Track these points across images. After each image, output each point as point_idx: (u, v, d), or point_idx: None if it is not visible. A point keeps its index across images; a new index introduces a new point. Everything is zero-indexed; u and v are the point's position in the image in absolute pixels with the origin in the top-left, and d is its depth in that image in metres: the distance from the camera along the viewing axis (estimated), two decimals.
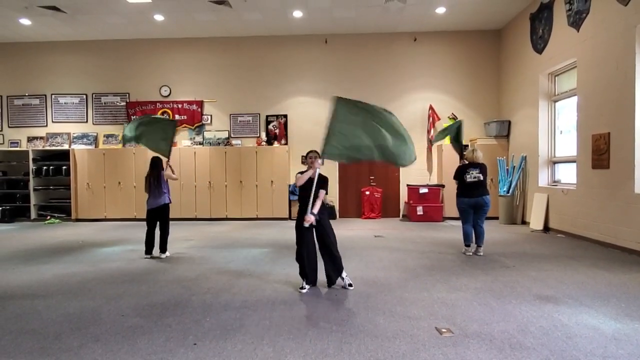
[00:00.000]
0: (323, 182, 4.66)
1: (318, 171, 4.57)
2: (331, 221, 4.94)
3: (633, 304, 4.03)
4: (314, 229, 4.63)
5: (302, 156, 4.50)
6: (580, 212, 7.50)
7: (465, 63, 11.02)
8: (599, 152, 6.94)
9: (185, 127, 11.33)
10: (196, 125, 11.31)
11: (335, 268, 4.66)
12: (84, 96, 11.52)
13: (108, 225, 10.06)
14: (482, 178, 6.28)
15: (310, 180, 4.52)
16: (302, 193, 4.62)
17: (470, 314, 3.81)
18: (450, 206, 10.28)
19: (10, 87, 11.56)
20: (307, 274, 4.61)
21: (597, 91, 7.05)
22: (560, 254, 6.31)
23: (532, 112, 9.27)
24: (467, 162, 6.45)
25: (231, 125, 11.35)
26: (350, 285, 4.64)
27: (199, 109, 11.33)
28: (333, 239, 4.69)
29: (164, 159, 6.56)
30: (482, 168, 6.34)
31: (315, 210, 4.51)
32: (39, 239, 8.27)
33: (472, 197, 6.23)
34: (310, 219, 4.45)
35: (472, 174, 6.28)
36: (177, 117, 11.31)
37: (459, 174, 6.40)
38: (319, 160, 4.57)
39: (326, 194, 4.74)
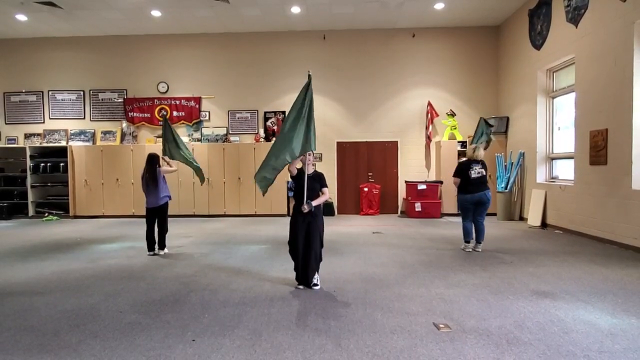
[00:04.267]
0: (320, 178, 4.65)
1: (313, 168, 4.59)
2: (330, 217, 4.91)
3: (629, 300, 4.06)
4: (306, 228, 4.55)
5: None
6: (578, 208, 7.52)
7: (464, 59, 11.01)
8: (597, 149, 6.95)
9: (183, 123, 11.31)
10: (194, 121, 11.28)
11: (312, 267, 4.53)
12: (81, 92, 11.48)
13: (106, 222, 10.05)
14: (484, 173, 6.29)
15: (304, 174, 4.52)
16: (298, 190, 4.61)
17: (468, 309, 3.82)
18: (449, 202, 10.32)
19: (7, 84, 11.51)
20: (301, 274, 4.55)
21: (595, 87, 7.06)
22: (558, 250, 6.34)
23: (531, 108, 9.27)
24: (466, 159, 6.45)
25: (229, 122, 11.33)
26: (315, 285, 4.53)
27: (197, 106, 11.30)
28: (321, 240, 4.59)
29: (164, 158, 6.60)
30: (483, 164, 6.34)
31: (315, 203, 4.51)
32: (37, 236, 8.26)
33: (475, 192, 6.21)
34: (305, 207, 4.44)
35: (475, 169, 6.26)
36: (174, 113, 11.29)
37: (462, 171, 6.35)
38: (310, 157, 4.58)
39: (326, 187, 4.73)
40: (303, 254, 4.52)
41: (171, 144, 6.62)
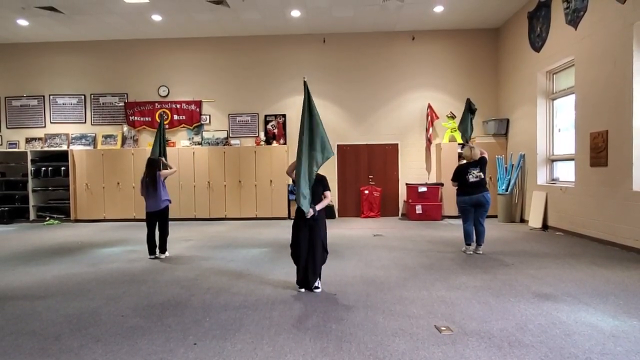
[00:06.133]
0: (321, 181, 4.62)
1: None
2: (331, 220, 4.90)
3: (631, 301, 4.05)
4: (308, 231, 4.53)
5: None
6: (579, 210, 7.52)
7: (464, 62, 11.03)
8: (597, 150, 6.96)
9: (184, 127, 11.34)
10: (195, 125, 11.31)
11: (314, 272, 4.51)
12: (82, 97, 11.51)
13: (107, 226, 10.06)
14: (482, 177, 6.28)
15: None
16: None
17: (470, 312, 3.82)
18: (449, 205, 10.31)
19: (8, 88, 11.55)
20: (302, 277, 4.53)
21: (595, 89, 7.07)
22: (559, 252, 6.33)
23: (531, 110, 9.28)
24: (465, 162, 6.45)
25: (230, 125, 11.35)
26: (316, 287, 4.52)
27: (198, 109, 11.32)
28: (324, 245, 4.57)
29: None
30: (481, 165, 6.31)
31: (318, 208, 4.50)
32: (38, 240, 8.27)
33: (473, 194, 6.21)
34: (309, 212, 4.42)
35: (473, 173, 6.25)
36: (175, 117, 11.31)
37: (460, 175, 6.37)
38: None
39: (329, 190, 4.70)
40: (305, 258, 4.51)
41: (163, 147, 7.07)
